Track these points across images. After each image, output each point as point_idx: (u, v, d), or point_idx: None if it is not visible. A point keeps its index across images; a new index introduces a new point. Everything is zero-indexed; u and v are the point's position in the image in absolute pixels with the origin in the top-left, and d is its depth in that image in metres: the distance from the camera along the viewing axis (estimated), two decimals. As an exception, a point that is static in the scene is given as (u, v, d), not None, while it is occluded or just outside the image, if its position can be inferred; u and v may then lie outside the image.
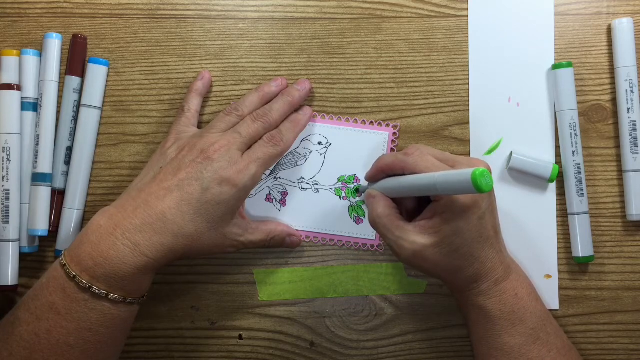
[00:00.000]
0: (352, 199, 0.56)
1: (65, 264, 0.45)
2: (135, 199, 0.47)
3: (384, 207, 0.49)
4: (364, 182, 0.55)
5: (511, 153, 0.55)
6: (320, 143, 0.56)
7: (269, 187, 0.56)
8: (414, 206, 0.51)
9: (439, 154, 0.49)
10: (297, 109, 0.54)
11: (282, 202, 0.56)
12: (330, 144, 0.56)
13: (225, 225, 0.49)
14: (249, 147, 0.50)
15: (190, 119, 0.53)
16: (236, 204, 0.48)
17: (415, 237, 0.47)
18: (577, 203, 0.54)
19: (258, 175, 0.49)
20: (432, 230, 0.47)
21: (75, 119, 0.55)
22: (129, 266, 0.45)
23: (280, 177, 0.56)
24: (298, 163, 0.56)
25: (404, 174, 0.48)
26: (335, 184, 0.56)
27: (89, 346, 0.45)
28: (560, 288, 0.55)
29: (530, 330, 0.48)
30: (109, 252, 0.45)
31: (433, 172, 0.45)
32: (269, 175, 0.56)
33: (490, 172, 0.42)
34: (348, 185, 0.56)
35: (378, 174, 0.51)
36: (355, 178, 0.56)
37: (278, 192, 0.56)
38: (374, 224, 0.50)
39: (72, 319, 0.45)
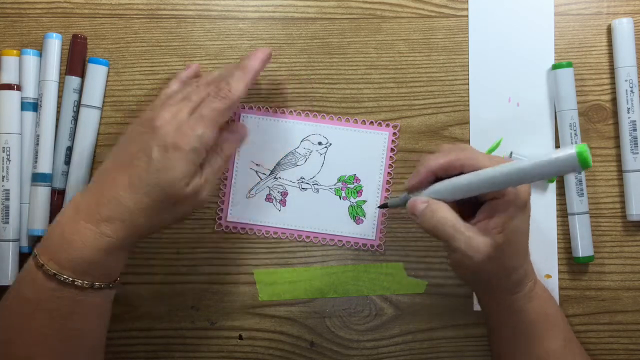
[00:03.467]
0: (352, 199, 0.55)
1: (36, 255, 0.45)
2: (95, 182, 0.47)
3: (447, 210, 0.45)
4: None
5: (511, 153, 0.55)
6: (320, 143, 0.56)
7: (269, 187, 0.56)
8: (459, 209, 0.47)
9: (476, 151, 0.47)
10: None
11: (282, 202, 0.56)
12: (331, 144, 0.56)
13: (184, 186, 0.46)
14: None
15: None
16: (188, 167, 0.45)
17: (485, 238, 0.44)
18: (577, 203, 0.54)
19: (206, 134, 0.46)
20: (497, 230, 0.44)
21: (75, 119, 0.55)
22: (93, 248, 0.44)
23: (280, 177, 0.56)
24: (298, 163, 0.56)
25: (461, 174, 0.45)
26: (335, 184, 0.56)
27: (66, 334, 0.45)
28: (560, 288, 0.55)
29: (563, 333, 0.49)
30: (72, 237, 0.44)
31: (494, 165, 0.43)
32: (269, 175, 0.56)
33: None
34: (348, 185, 0.56)
35: (428, 177, 0.47)
36: (355, 178, 0.56)
37: (278, 192, 0.56)
38: (436, 230, 0.45)
39: (42, 309, 0.44)
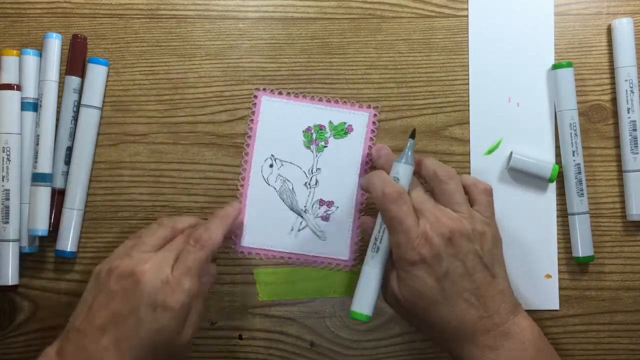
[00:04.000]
0: (327, 134, 0.55)
1: None
2: (74, 343, 0.44)
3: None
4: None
5: (511, 153, 0.55)
6: (271, 165, 0.55)
7: (313, 226, 0.55)
8: None
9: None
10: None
11: (325, 219, 0.55)
12: (275, 158, 0.55)
13: (177, 341, 0.46)
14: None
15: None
16: (179, 324, 0.45)
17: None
18: (577, 203, 0.54)
19: (194, 287, 0.46)
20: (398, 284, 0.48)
21: (75, 119, 0.55)
22: None
23: (306, 208, 0.55)
24: (289, 188, 0.55)
25: None
26: (314, 154, 0.55)
27: None
28: (560, 288, 0.55)
29: None
30: None
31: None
32: (304, 216, 0.55)
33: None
34: (316, 133, 0.55)
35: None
36: (319, 126, 0.55)
37: (318, 218, 0.55)
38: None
39: None
